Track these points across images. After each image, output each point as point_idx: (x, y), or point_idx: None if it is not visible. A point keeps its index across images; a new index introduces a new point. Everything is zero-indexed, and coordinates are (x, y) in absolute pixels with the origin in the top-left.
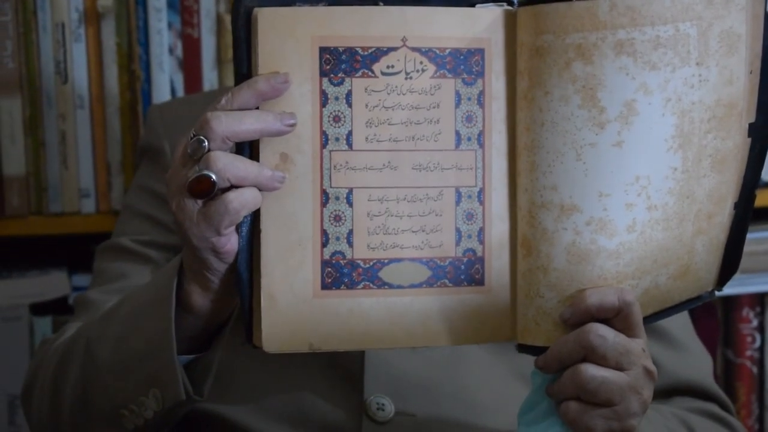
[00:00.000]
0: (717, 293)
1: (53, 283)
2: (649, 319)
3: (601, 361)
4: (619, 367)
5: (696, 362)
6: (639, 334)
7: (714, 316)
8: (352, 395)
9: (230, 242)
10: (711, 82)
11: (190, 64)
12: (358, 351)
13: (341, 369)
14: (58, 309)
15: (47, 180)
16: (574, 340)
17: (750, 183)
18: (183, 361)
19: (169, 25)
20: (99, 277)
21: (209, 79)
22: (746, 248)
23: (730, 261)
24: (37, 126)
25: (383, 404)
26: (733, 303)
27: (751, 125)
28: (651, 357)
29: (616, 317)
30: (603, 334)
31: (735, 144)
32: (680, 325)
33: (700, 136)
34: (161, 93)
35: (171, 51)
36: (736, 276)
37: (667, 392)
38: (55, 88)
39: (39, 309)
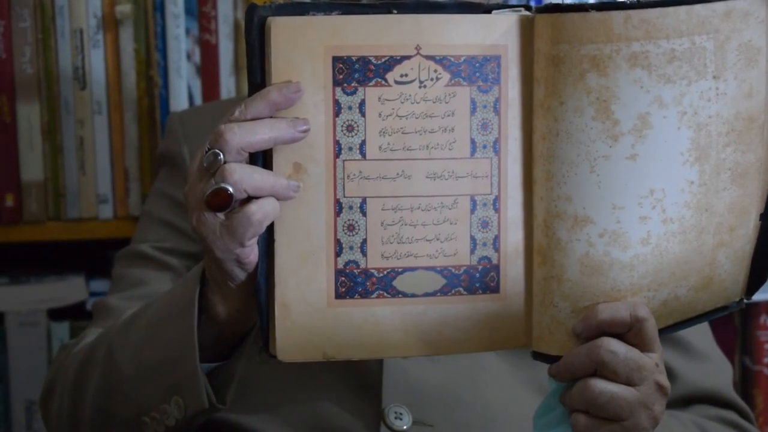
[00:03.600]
0: (745, 302)
1: (71, 289)
2: (671, 329)
3: (612, 375)
4: (629, 383)
5: (715, 371)
6: (653, 348)
7: (731, 324)
8: (370, 404)
9: (253, 252)
10: (729, 95)
11: (207, 70)
12: (376, 360)
13: (359, 378)
14: (76, 314)
15: (65, 186)
16: (586, 353)
17: None
18: (205, 369)
19: (187, 31)
20: (118, 283)
21: (227, 85)
22: None
23: (759, 270)
24: (55, 132)
25: (401, 413)
26: (750, 310)
27: None
28: (670, 366)
29: (628, 332)
30: (614, 349)
31: (757, 157)
32: (699, 333)
33: (718, 149)
34: (179, 99)
35: (189, 57)
36: None
37: (685, 401)
38: (73, 93)
39: (56, 314)
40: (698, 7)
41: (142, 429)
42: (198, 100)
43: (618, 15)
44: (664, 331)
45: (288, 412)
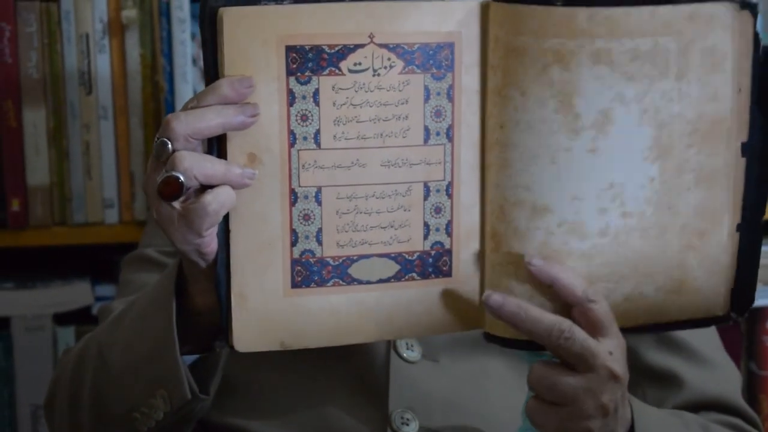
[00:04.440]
0: (739, 319)
1: (76, 293)
2: (643, 330)
3: (562, 357)
4: (576, 369)
5: (722, 377)
6: (607, 334)
7: (737, 329)
8: (377, 409)
9: (213, 242)
10: (693, 96)
11: None
12: (382, 365)
13: (366, 384)
14: (82, 319)
15: (71, 190)
16: (547, 326)
17: (754, 205)
18: (189, 362)
19: (193, 36)
20: (125, 288)
21: None
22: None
23: (743, 287)
24: (61, 136)
25: (408, 419)
26: (756, 315)
27: (743, 144)
28: (677, 372)
29: (575, 309)
30: (571, 336)
31: (725, 162)
32: (706, 339)
33: (681, 149)
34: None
35: (194, 62)
36: (760, 288)
37: (693, 407)
38: (79, 98)
39: (62, 319)
40: (662, 9)
41: (134, 425)
42: None
43: (582, 11)
44: (633, 330)
45: (296, 417)
